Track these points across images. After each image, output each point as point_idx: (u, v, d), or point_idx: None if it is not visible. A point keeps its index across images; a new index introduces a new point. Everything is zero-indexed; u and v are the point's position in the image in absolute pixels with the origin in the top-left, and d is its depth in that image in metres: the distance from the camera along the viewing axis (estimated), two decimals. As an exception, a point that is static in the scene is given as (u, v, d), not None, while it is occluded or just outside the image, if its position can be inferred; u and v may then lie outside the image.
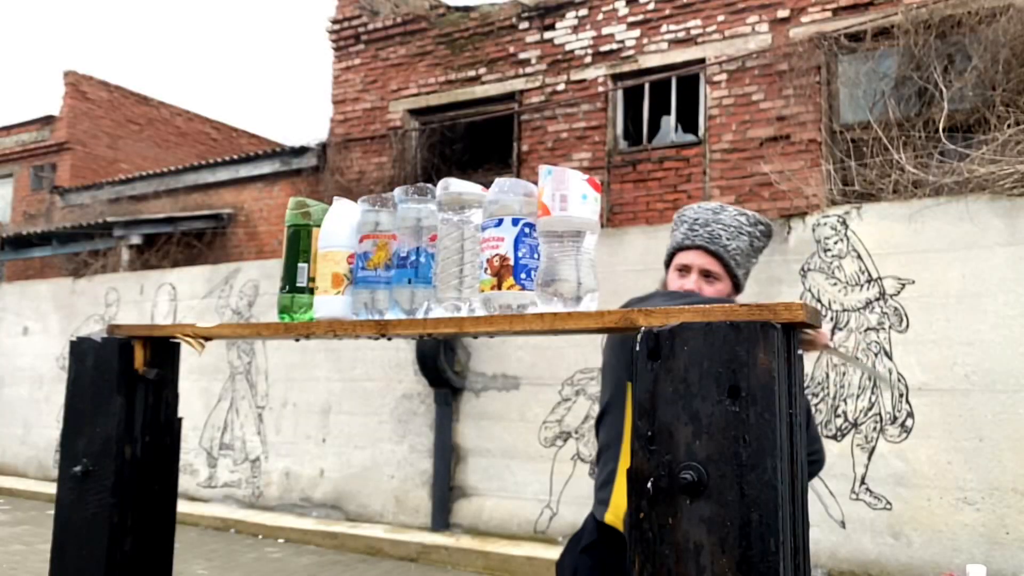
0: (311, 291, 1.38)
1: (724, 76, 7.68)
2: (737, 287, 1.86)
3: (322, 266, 1.33)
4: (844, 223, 5.30)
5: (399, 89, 9.59)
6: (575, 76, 8.49)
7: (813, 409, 5.18)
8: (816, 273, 5.36)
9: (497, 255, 1.14)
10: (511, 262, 1.14)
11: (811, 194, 6.74)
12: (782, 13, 7.47)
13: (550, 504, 6.03)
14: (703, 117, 7.86)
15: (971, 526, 4.72)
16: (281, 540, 6.64)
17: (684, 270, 1.84)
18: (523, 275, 1.14)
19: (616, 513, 1.74)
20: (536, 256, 1.15)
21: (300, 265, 1.39)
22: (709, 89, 7.77)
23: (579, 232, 1.14)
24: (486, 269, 1.15)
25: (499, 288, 1.14)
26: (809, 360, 5.23)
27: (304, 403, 7.42)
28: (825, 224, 5.37)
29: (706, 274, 1.81)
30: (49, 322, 9.48)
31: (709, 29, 7.82)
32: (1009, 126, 5.88)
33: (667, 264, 1.91)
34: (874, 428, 5.04)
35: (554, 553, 5.66)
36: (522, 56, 8.80)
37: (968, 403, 4.80)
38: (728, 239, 1.81)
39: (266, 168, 10.63)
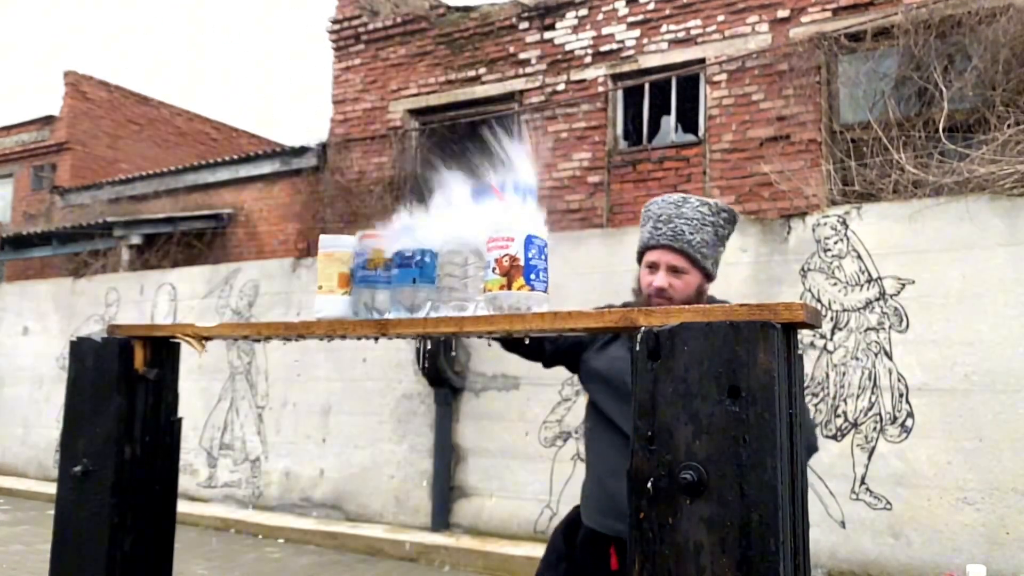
0: None
1: (724, 76, 7.68)
2: (708, 276, 1.90)
3: (327, 266, 1.33)
4: (844, 223, 5.30)
5: (399, 89, 9.58)
6: (575, 76, 8.48)
7: (812, 410, 5.19)
8: (816, 273, 5.36)
9: (507, 255, 1.14)
10: (521, 262, 1.14)
11: (811, 194, 6.73)
12: (782, 13, 7.46)
13: (550, 504, 6.03)
14: (703, 117, 7.85)
15: (971, 526, 4.72)
16: (281, 540, 6.64)
17: (653, 267, 1.89)
18: (532, 276, 1.14)
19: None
20: (544, 257, 1.16)
21: None
22: (709, 89, 7.76)
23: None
24: (494, 269, 1.15)
25: (508, 288, 1.14)
26: (809, 360, 5.22)
27: (304, 403, 7.41)
28: (825, 224, 5.36)
29: (673, 269, 1.86)
30: (49, 322, 9.47)
31: (709, 29, 7.81)
32: (1009, 126, 5.88)
33: (639, 260, 1.95)
34: (874, 428, 5.04)
35: (554, 553, 5.67)
36: (522, 56, 8.79)
37: (968, 403, 4.79)
38: (691, 233, 1.85)
39: (266, 168, 10.62)
